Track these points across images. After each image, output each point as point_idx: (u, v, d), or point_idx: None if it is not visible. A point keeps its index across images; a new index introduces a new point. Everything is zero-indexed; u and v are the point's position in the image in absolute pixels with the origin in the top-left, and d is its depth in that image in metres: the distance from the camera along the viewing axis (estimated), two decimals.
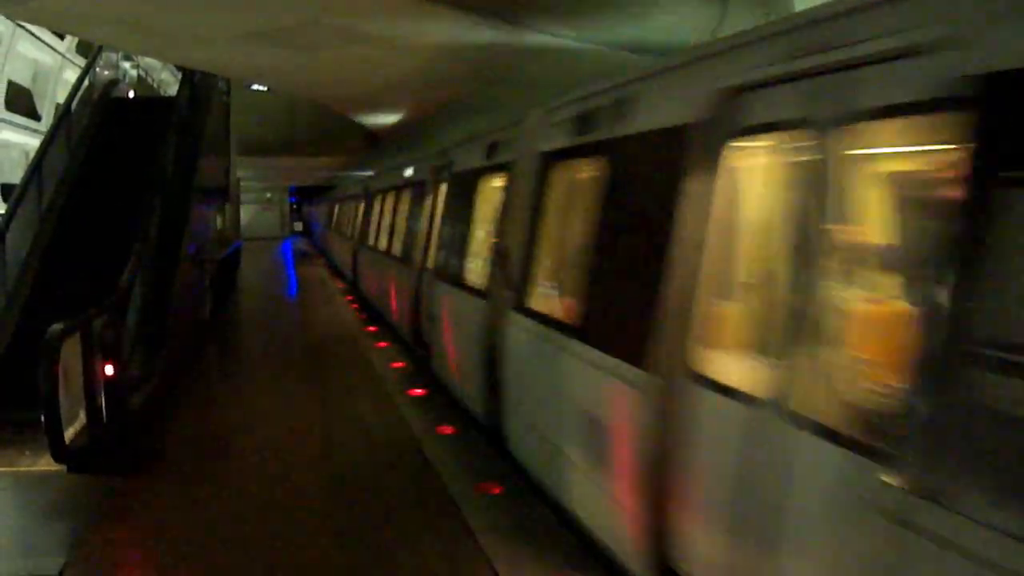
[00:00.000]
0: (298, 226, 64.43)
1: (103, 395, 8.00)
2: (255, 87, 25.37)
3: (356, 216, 23.30)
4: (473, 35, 11.64)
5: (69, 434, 7.59)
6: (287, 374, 12.20)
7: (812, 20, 3.90)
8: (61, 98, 22.92)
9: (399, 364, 12.62)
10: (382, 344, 14.46)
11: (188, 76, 17.11)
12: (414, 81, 15.65)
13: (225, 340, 15.66)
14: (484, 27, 11.24)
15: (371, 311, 18.35)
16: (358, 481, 7.53)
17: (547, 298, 7.26)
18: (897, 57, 3.27)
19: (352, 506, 6.89)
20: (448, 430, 8.95)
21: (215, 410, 10.22)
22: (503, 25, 11.14)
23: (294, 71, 15.69)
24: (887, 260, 3.89)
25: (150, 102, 20.21)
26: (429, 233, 12.53)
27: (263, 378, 12.04)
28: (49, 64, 28.69)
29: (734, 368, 4.25)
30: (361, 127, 25.94)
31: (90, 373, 7.87)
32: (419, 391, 10.80)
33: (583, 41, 12.03)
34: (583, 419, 5.77)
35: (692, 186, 4.68)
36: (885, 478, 2.99)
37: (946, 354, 2.84)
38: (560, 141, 7.17)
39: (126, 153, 13.92)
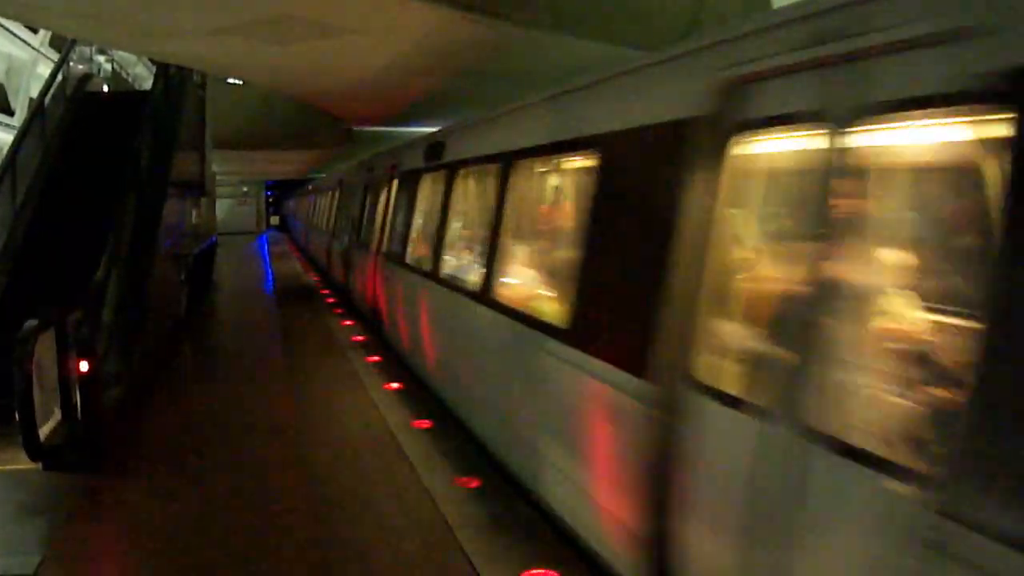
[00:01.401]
0: (274, 220, 64.07)
1: (78, 392, 7.95)
2: (231, 81, 25.22)
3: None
4: (447, 28, 11.65)
5: (44, 431, 7.56)
6: (262, 370, 12.18)
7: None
8: (35, 92, 22.70)
9: None
10: None
11: (163, 70, 16.98)
12: (389, 75, 15.63)
13: (201, 336, 15.58)
14: (458, 19, 11.24)
15: None
16: (335, 482, 7.54)
17: None
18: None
19: (329, 503, 6.91)
20: (426, 423, 8.98)
21: (191, 407, 10.19)
22: (479, 18, 11.15)
23: (269, 65, 15.66)
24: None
25: (125, 96, 20.06)
26: None
27: (238, 375, 12.01)
28: (22, 58, 28.41)
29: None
30: (339, 121, 25.87)
31: (65, 369, 7.82)
32: None
33: (561, 33, 12.05)
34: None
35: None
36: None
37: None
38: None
39: (100, 148, 13.80)
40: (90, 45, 19.42)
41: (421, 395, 10.31)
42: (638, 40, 11.49)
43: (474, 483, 7.11)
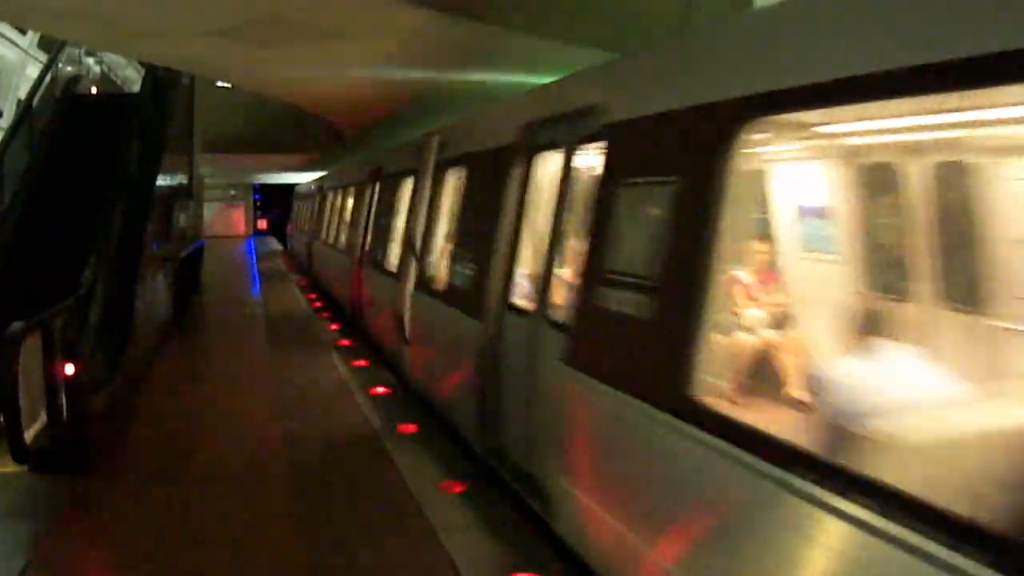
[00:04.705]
0: (262, 224, 63.41)
1: (64, 395, 7.94)
2: (220, 84, 25.19)
3: None
4: (432, 30, 11.67)
5: (30, 434, 7.53)
6: (253, 374, 12.16)
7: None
8: (23, 94, 22.62)
9: None
10: None
11: (152, 72, 16.97)
12: (376, 78, 15.66)
13: (188, 339, 15.53)
14: (443, 21, 11.27)
15: None
16: (321, 478, 7.54)
17: None
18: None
19: (316, 510, 6.91)
20: (413, 428, 8.97)
21: (178, 411, 10.16)
22: (462, 20, 11.17)
23: (257, 67, 15.67)
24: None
25: (113, 98, 20.05)
26: None
27: (227, 379, 12.00)
28: (10, 59, 28.26)
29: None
30: (329, 123, 25.86)
31: (51, 372, 7.80)
32: None
33: (546, 38, 12.08)
34: None
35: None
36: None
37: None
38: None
39: (89, 150, 13.78)
40: (79, 47, 19.38)
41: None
42: (626, 45, 11.50)
43: None
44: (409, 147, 12.39)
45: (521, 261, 7.17)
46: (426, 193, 10.49)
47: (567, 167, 6.29)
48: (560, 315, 5.92)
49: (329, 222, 21.56)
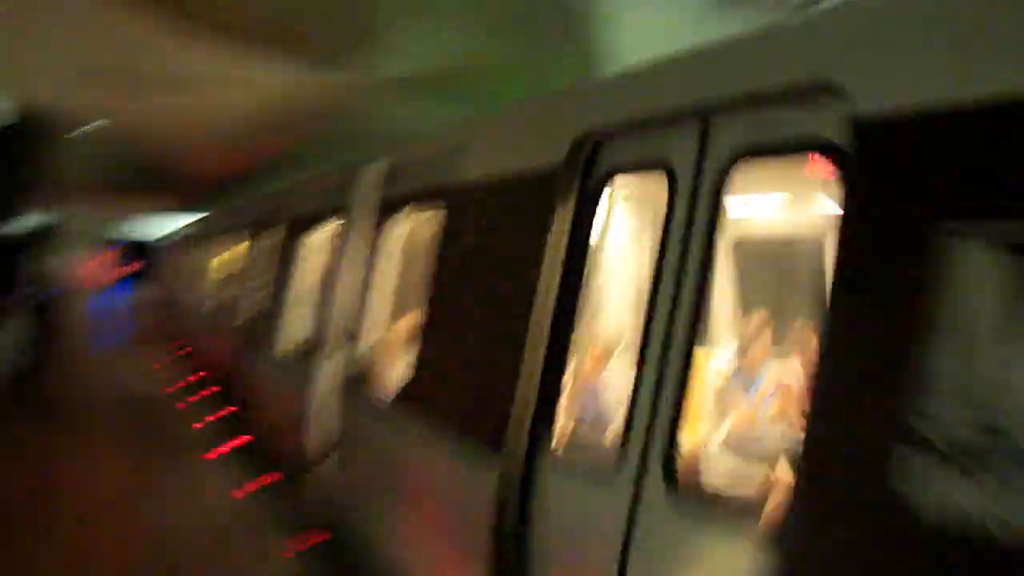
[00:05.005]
0: (129, 270, 61.09)
1: None
2: (85, 128, 24.61)
3: None
4: (296, 86, 11.77)
5: None
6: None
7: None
8: None
9: None
10: None
11: (16, 112, 16.51)
12: (246, 127, 15.63)
13: (35, 392, 14.80)
14: (318, 72, 11.40)
15: None
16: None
17: None
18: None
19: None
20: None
21: (17, 471, 9.60)
22: (327, 76, 11.32)
23: (122, 113, 15.42)
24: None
25: None
26: None
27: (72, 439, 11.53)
28: None
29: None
30: (206, 173, 25.52)
31: None
32: None
33: (418, 98, 12.30)
34: None
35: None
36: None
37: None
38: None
39: None
40: None
41: None
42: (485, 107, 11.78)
43: None
44: (328, 182, 9.41)
45: (577, 367, 4.66)
46: (361, 245, 7.48)
47: (710, 200, 3.42)
48: (729, 498, 3.77)
49: (203, 280, 17.58)
